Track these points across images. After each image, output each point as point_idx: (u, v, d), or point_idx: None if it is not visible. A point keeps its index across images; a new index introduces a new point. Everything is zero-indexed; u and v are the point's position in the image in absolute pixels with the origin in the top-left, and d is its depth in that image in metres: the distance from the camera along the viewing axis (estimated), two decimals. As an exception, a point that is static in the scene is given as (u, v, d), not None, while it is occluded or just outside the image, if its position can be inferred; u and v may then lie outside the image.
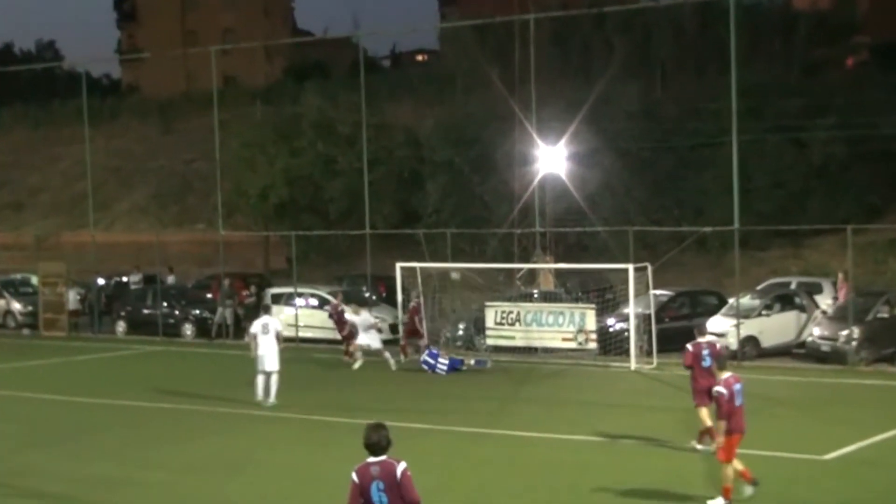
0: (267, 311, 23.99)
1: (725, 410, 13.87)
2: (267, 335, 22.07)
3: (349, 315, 28.86)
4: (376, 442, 8.85)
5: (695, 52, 49.57)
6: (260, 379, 22.20)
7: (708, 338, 17.95)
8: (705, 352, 17.48)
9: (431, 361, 27.40)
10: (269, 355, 22.06)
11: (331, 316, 30.91)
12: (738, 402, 14.03)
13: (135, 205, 63.13)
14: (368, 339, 28.19)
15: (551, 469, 16.50)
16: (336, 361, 29.63)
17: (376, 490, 8.77)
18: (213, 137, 38.20)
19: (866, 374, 26.29)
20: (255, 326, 22.33)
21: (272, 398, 22.23)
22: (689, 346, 17.72)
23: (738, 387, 14.13)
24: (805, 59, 49.24)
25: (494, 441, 18.80)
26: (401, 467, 8.77)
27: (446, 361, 27.35)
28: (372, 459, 8.86)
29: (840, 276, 31.60)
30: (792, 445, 17.80)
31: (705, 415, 17.00)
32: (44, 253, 53.75)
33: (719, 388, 14.02)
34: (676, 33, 50.41)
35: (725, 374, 14.24)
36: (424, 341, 29.38)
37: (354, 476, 8.90)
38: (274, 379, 22.21)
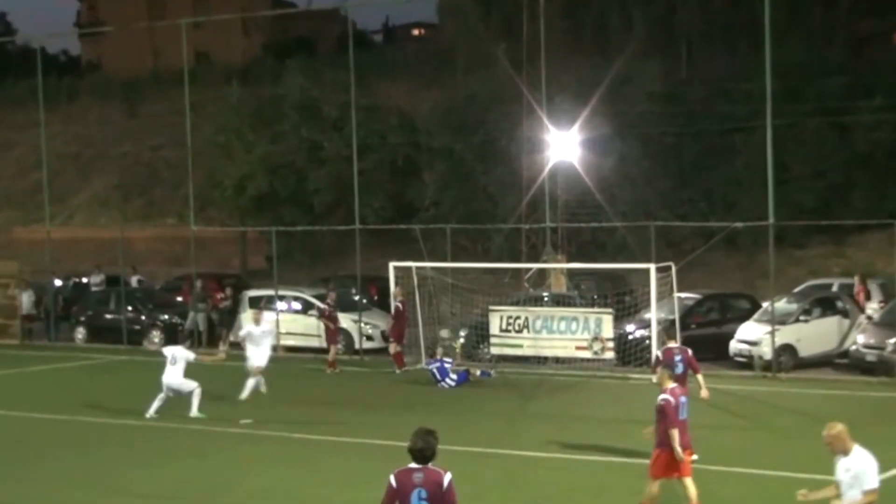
0: (183, 340, 24.53)
1: (672, 420, 14.17)
2: (174, 366, 23.04)
3: (247, 326, 25.83)
4: (421, 448, 9.26)
5: (724, 26, 49.56)
6: (162, 398, 23.18)
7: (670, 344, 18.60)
8: (678, 357, 17.95)
9: (438, 376, 27.37)
10: (182, 384, 23.02)
11: (322, 315, 30.92)
12: (682, 415, 14.44)
13: (96, 197, 63.16)
14: (257, 358, 24.76)
15: (563, 493, 16.50)
16: (322, 372, 29.66)
17: (417, 498, 9.17)
18: (184, 121, 38.18)
19: (917, 387, 26.28)
20: (167, 352, 23.52)
21: (195, 411, 22.86)
22: (658, 353, 18.31)
23: (683, 399, 14.58)
24: (848, 34, 49.23)
25: (500, 462, 18.80)
26: (447, 477, 9.21)
27: (455, 378, 27.36)
28: (414, 466, 9.26)
29: (856, 278, 31.71)
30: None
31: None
32: (-6, 251, 53.72)
33: (666, 396, 14.36)
34: (703, 5, 50.42)
35: (671, 385, 14.59)
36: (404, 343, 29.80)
37: (393, 480, 9.29)
38: (196, 393, 22.98)
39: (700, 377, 18.66)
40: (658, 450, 14.35)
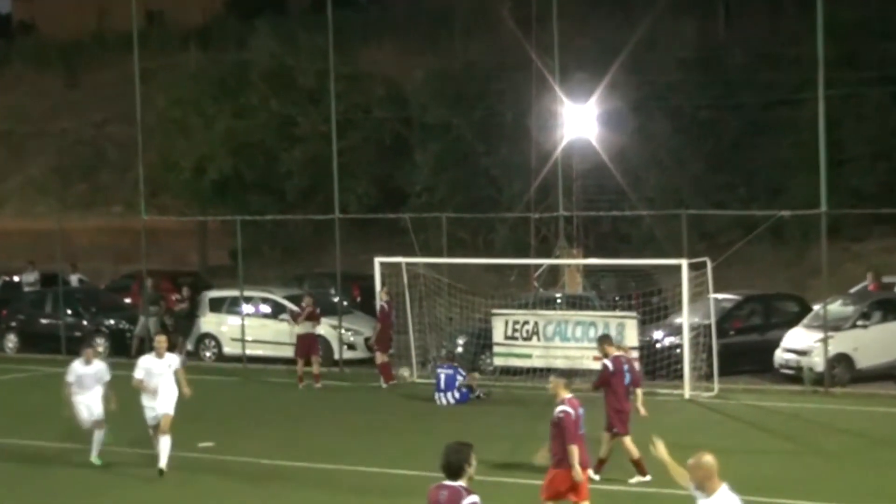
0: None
1: (571, 435, 14.83)
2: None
3: (78, 364, 21.75)
4: (445, 464, 9.88)
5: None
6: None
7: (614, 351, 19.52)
8: (626, 366, 19.06)
9: (443, 385, 27.36)
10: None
11: (295, 320, 30.93)
12: (582, 429, 15.04)
13: (30, 181, 63.08)
14: (88, 406, 21.57)
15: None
16: (294, 385, 29.67)
17: None
18: (133, 92, 38.12)
19: None
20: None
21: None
22: (608, 363, 19.01)
23: (581, 411, 15.12)
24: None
25: (506, 491, 18.77)
26: (468, 500, 9.70)
27: (458, 396, 27.38)
28: (445, 482, 9.81)
29: (869, 276, 31.78)
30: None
31: (629, 443, 18.78)
32: None
33: (566, 408, 14.90)
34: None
35: (568, 395, 15.12)
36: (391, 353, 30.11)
37: (428, 494, 10.01)
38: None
39: (640, 391, 19.84)
40: (556, 470, 14.90)
